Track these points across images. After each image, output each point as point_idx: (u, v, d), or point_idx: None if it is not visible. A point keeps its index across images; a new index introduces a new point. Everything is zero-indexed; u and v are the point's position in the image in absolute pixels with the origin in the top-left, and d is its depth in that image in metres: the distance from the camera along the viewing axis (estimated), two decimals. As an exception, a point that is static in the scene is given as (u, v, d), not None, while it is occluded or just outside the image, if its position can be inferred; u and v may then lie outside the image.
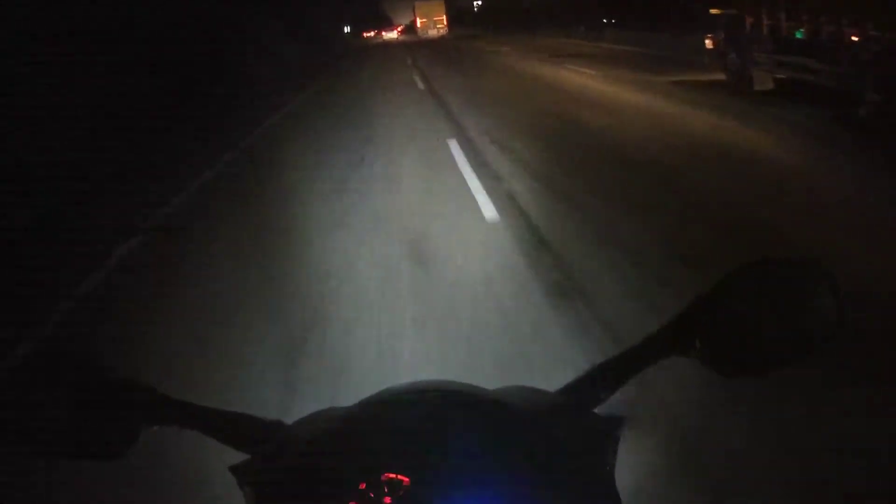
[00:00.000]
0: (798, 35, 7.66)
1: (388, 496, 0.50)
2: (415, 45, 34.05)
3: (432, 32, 47.69)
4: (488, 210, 4.79)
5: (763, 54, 8.32)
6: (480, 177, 5.72)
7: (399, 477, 0.51)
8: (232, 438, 0.65)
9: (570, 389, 0.68)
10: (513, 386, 0.71)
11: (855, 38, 6.48)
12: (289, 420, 0.68)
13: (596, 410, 0.67)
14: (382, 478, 0.51)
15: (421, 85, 14.13)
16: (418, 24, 50.15)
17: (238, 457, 0.64)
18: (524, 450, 0.56)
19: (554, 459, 0.56)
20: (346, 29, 68.11)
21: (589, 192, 5.15)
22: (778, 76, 8.18)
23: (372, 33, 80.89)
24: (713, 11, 9.83)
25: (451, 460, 0.53)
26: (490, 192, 5.21)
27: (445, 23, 48.78)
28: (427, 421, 0.57)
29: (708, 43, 9.99)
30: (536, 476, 0.54)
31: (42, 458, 0.65)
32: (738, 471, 2.01)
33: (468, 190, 5.37)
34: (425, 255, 4.03)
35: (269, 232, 4.75)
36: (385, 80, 16.35)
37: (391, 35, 70.99)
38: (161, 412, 0.65)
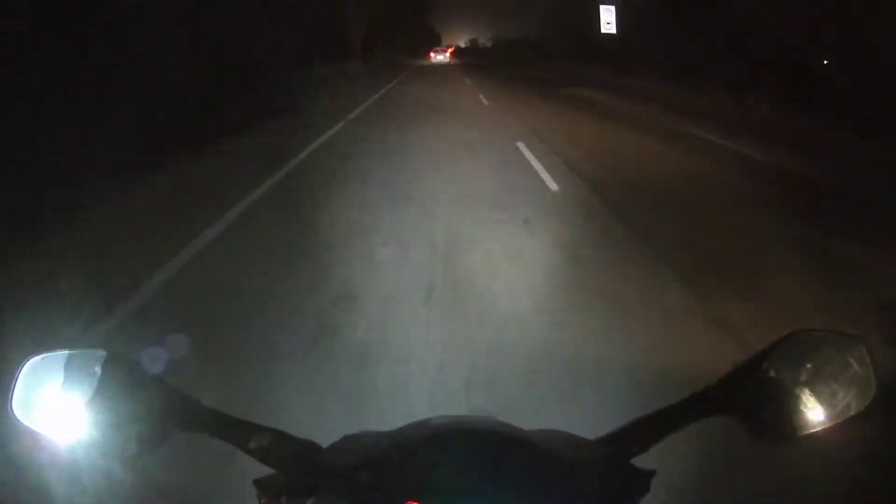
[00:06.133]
0: None
1: None
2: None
3: None
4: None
5: None
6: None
7: None
8: (263, 453, 0.65)
9: (610, 440, 0.69)
10: (553, 430, 0.71)
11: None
12: (324, 442, 0.68)
13: (633, 461, 0.67)
14: None
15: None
16: None
17: (260, 471, 0.64)
18: (552, 495, 0.56)
19: None
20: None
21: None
22: None
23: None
24: None
25: (477, 497, 0.53)
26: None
27: None
28: (458, 458, 0.58)
29: None
30: None
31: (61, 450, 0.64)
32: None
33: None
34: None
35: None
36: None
37: (440, 58, 51.13)
38: (195, 419, 0.66)
